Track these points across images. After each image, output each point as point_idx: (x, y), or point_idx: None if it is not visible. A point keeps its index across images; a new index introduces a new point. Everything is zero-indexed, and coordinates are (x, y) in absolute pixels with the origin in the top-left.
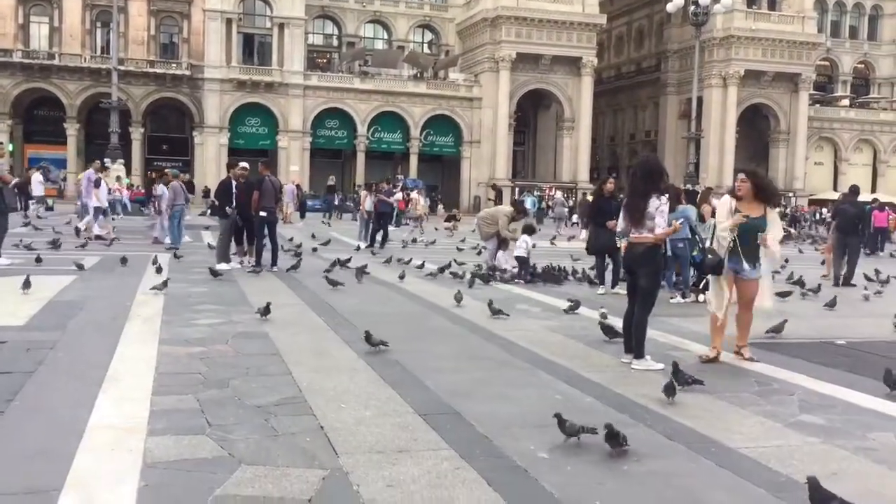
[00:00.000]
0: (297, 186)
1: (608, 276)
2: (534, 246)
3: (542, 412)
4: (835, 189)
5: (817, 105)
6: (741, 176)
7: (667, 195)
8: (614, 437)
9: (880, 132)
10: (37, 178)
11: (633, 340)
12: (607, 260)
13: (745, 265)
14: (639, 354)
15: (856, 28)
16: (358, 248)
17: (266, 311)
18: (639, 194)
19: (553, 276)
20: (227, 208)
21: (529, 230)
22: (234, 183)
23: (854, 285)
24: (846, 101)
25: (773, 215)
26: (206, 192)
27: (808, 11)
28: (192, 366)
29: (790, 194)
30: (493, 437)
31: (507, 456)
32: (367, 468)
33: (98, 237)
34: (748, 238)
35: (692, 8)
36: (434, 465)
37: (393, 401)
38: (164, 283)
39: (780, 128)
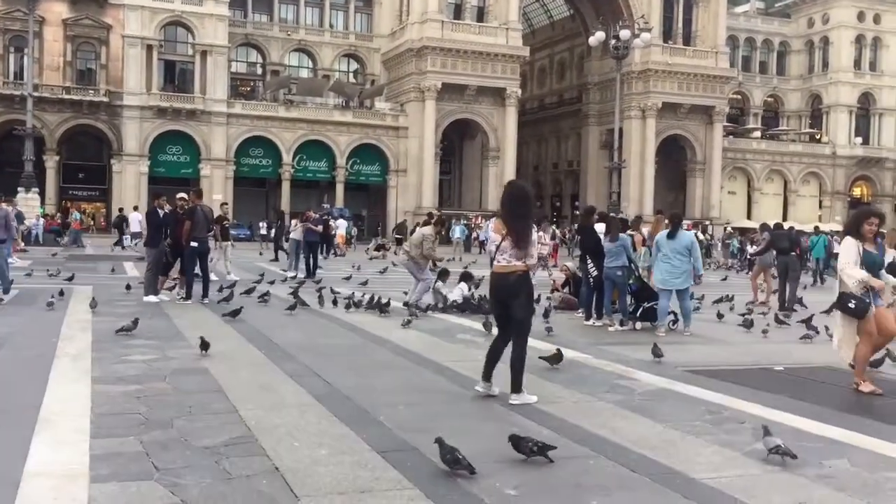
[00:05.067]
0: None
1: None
2: (471, 290)
3: (502, 447)
4: (748, 217)
5: (731, 136)
6: (875, 219)
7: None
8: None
9: (790, 163)
10: None
11: (512, 373)
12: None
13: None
14: (516, 388)
15: (766, 63)
16: (285, 280)
17: (205, 345)
18: (515, 220)
19: (473, 307)
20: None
21: (467, 277)
22: (160, 213)
23: (795, 310)
24: (758, 133)
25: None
26: (120, 222)
27: (720, 47)
28: (130, 405)
29: (707, 222)
30: None
31: (475, 494)
32: None
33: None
34: (877, 274)
35: (613, 42)
36: None
37: (348, 438)
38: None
39: (696, 158)
